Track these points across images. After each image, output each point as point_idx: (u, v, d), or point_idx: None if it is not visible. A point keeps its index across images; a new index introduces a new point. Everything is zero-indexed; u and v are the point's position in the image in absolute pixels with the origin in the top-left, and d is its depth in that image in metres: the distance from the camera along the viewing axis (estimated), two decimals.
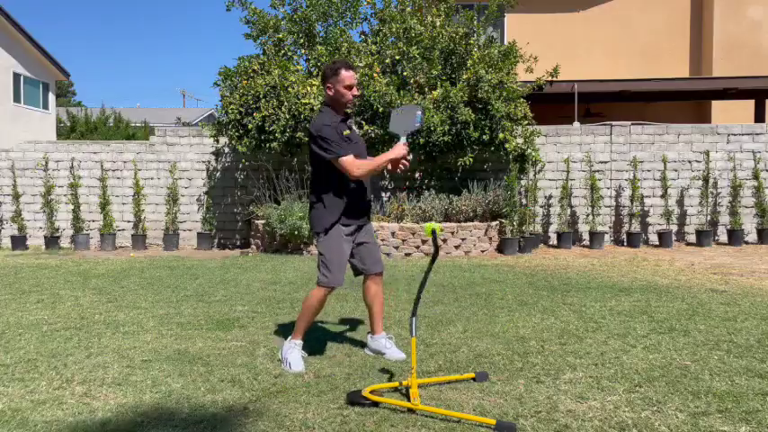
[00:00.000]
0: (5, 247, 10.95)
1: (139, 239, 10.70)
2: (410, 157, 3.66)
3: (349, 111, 3.88)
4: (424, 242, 9.32)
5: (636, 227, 10.65)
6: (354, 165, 3.61)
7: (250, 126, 9.66)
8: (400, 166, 3.71)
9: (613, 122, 11.14)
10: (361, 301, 5.72)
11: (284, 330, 4.59)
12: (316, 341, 4.26)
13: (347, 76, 3.68)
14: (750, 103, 13.87)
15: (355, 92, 3.73)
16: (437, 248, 3.14)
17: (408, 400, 3.08)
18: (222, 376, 3.54)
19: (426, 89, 9.89)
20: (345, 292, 6.15)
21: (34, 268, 8.14)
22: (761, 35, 15.04)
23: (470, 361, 3.79)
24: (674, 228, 10.82)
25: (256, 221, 10.12)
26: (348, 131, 3.74)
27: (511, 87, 9.84)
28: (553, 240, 10.77)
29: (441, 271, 7.61)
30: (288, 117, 9.54)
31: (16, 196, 10.94)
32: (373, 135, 9.61)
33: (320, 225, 3.75)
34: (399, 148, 3.62)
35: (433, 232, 3.05)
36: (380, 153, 10.52)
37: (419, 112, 3.61)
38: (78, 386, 3.39)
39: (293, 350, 3.72)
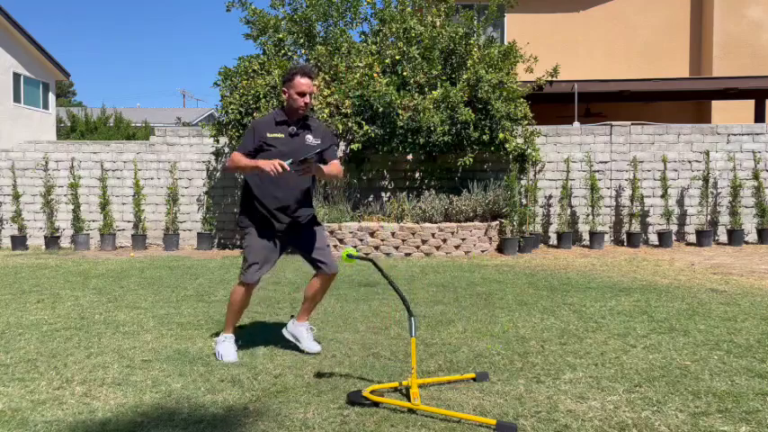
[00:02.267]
0: (5, 247, 10.95)
1: (139, 239, 10.71)
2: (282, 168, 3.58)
3: (302, 115, 3.89)
4: (424, 242, 9.33)
5: (636, 227, 10.65)
6: (231, 158, 3.81)
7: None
8: (270, 171, 3.61)
9: (613, 122, 11.14)
10: (360, 301, 5.72)
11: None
12: (316, 341, 4.26)
13: (301, 83, 3.78)
14: (750, 103, 13.87)
15: (307, 100, 3.80)
16: (371, 260, 3.36)
17: (409, 400, 3.08)
18: (222, 376, 3.54)
19: (426, 89, 9.89)
20: (345, 292, 6.15)
21: (34, 268, 8.14)
22: (761, 35, 15.04)
23: (470, 361, 3.79)
24: (674, 228, 10.82)
25: None
26: (280, 135, 3.82)
27: (511, 87, 9.84)
28: (553, 240, 10.77)
29: (441, 271, 7.61)
30: None
31: (16, 196, 10.95)
32: (373, 135, 9.61)
33: (242, 222, 3.97)
34: (269, 163, 3.56)
35: (350, 256, 3.26)
36: (379, 153, 10.54)
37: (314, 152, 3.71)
38: (78, 386, 3.39)
39: (227, 343, 3.94)
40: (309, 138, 3.89)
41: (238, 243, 11.04)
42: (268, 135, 3.80)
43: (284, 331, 4.13)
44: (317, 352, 3.98)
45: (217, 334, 4.37)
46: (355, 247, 9.31)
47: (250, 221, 3.88)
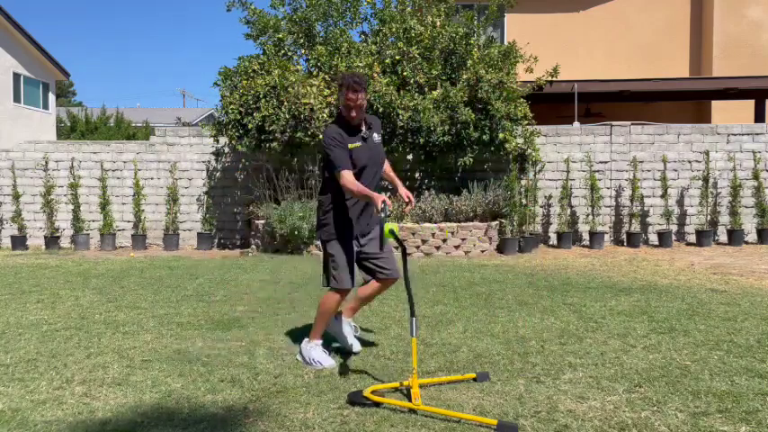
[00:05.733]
0: (5, 247, 10.95)
1: (139, 239, 10.71)
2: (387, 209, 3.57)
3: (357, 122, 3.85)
4: (424, 242, 9.33)
5: (636, 227, 10.65)
6: (345, 178, 3.65)
7: (250, 126, 9.66)
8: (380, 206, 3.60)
9: (613, 122, 11.14)
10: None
11: (284, 330, 4.59)
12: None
13: (348, 97, 3.72)
14: (750, 103, 13.87)
15: (354, 114, 3.75)
16: (404, 247, 3.35)
17: (409, 400, 3.08)
18: (222, 376, 3.54)
19: (426, 89, 9.89)
20: None
21: (34, 268, 8.14)
22: (761, 35, 15.04)
23: (470, 361, 3.79)
24: (674, 228, 10.82)
25: (256, 221, 10.12)
26: (358, 144, 3.78)
27: (511, 87, 9.84)
28: (553, 240, 10.77)
29: (441, 271, 7.61)
30: (288, 117, 9.54)
31: (16, 196, 10.95)
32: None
33: (327, 234, 3.82)
34: (380, 200, 3.51)
35: (392, 232, 3.22)
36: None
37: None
38: (78, 386, 3.39)
39: (316, 348, 3.81)
40: (375, 136, 3.91)
41: (238, 243, 11.05)
42: (350, 147, 3.76)
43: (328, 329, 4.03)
44: (357, 352, 3.97)
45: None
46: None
47: (335, 231, 3.79)
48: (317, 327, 3.86)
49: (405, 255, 3.32)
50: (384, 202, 3.46)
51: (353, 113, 3.76)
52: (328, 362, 3.75)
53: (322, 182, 3.95)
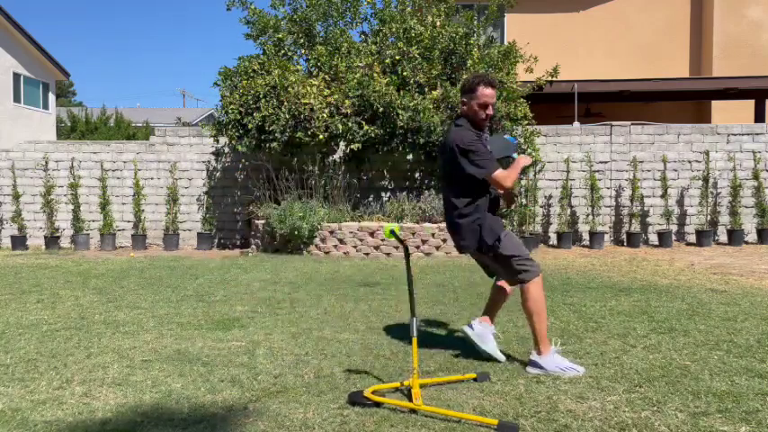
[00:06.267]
0: (5, 247, 10.95)
1: (139, 239, 10.70)
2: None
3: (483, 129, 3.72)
4: (424, 242, 9.33)
5: (636, 227, 10.64)
6: (505, 177, 3.53)
7: (250, 126, 9.66)
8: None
9: (613, 122, 11.15)
10: (360, 301, 5.72)
11: (284, 330, 4.59)
12: (316, 341, 4.26)
13: (484, 93, 3.54)
14: (750, 103, 13.87)
15: (490, 111, 3.58)
16: (406, 247, 3.30)
17: (410, 400, 3.08)
18: (222, 376, 3.53)
19: (426, 89, 9.89)
20: (345, 293, 6.15)
21: (34, 268, 8.14)
22: (761, 35, 15.04)
23: (470, 361, 3.79)
24: (674, 228, 10.82)
25: (256, 221, 10.12)
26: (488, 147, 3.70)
27: (511, 87, 9.84)
28: (553, 240, 10.77)
29: (441, 271, 7.61)
30: (288, 117, 9.54)
31: (16, 196, 10.95)
32: (373, 135, 9.61)
33: (492, 235, 3.65)
34: (525, 159, 3.64)
35: (392, 232, 3.14)
36: (379, 153, 10.55)
37: (511, 140, 3.76)
38: (78, 386, 3.39)
39: (556, 356, 3.56)
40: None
41: (238, 243, 11.04)
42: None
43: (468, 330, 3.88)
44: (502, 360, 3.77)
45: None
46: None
47: (499, 229, 3.66)
48: (542, 332, 3.56)
49: (407, 254, 3.31)
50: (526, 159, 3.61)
51: (490, 111, 3.59)
52: (577, 368, 3.49)
53: (456, 189, 3.67)
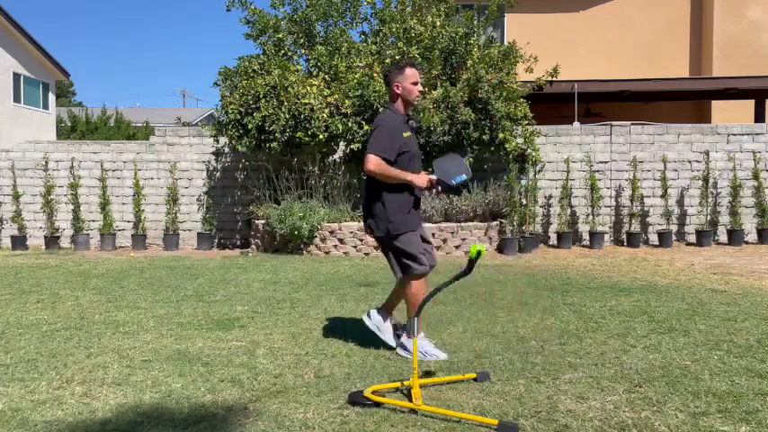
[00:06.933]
0: (5, 247, 10.95)
1: (139, 239, 10.70)
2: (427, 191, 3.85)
3: (411, 111, 4.00)
4: (467, 265, 9.28)
5: (636, 227, 10.64)
6: (377, 163, 3.71)
7: (250, 126, 9.66)
8: (426, 189, 3.82)
9: (613, 122, 11.15)
10: (361, 301, 5.72)
11: (284, 330, 4.59)
12: (316, 341, 4.26)
13: (411, 73, 3.84)
14: (750, 103, 13.87)
15: (420, 88, 3.88)
16: (470, 271, 3.05)
17: (410, 400, 3.08)
18: (222, 376, 3.53)
19: (426, 89, 9.89)
20: (345, 292, 6.15)
21: (34, 268, 8.14)
22: (761, 35, 15.04)
23: (470, 361, 3.79)
24: (674, 228, 10.82)
25: (256, 221, 10.12)
26: (409, 133, 3.86)
27: (511, 87, 9.83)
28: (553, 240, 10.77)
29: (441, 271, 7.60)
30: (288, 117, 9.54)
31: (16, 196, 10.94)
32: None
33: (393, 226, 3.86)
34: (422, 178, 3.77)
35: (478, 253, 2.95)
36: None
37: (464, 176, 3.79)
38: (78, 386, 3.39)
39: (422, 340, 3.84)
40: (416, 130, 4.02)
41: (238, 243, 11.05)
42: (404, 136, 3.81)
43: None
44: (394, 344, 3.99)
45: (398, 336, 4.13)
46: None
47: (401, 223, 3.83)
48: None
49: (462, 276, 3.21)
50: (429, 180, 3.73)
51: (419, 89, 3.85)
52: (439, 354, 3.80)
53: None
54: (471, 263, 2.99)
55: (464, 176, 3.77)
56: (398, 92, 3.87)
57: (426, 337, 3.95)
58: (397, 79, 3.86)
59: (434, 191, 3.85)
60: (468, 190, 9.92)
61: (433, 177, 3.76)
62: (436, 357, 3.79)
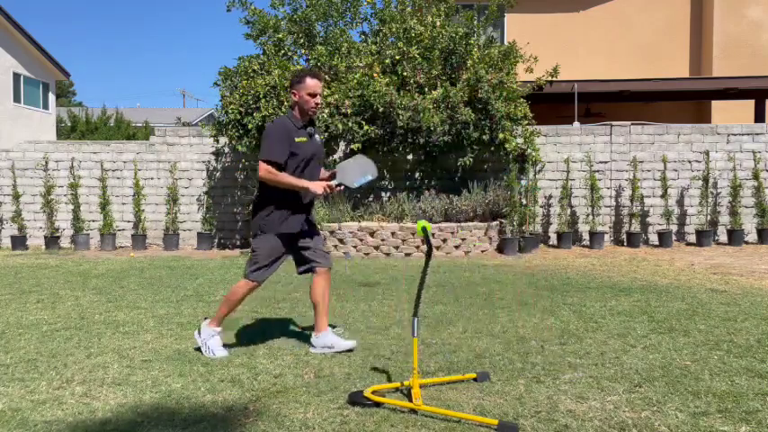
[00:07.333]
0: (5, 247, 10.95)
1: (139, 239, 10.70)
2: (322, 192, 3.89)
3: (311, 118, 4.03)
4: (424, 242, 9.32)
5: (636, 227, 10.64)
6: (267, 170, 3.80)
7: (250, 126, 9.66)
8: (322, 194, 3.89)
9: (613, 122, 11.14)
10: (360, 301, 5.72)
11: (284, 330, 4.60)
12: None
13: (312, 84, 3.89)
14: (750, 103, 13.87)
15: (318, 100, 3.92)
16: (430, 246, 3.19)
17: (410, 400, 3.08)
18: (222, 376, 3.54)
19: (426, 89, 9.89)
20: (345, 293, 6.16)
21: (34, 268, 8.14)
22: (761, 35, 15.04)
23: (470, 361, 3.79)
24: (674, 228, 10.82)
25: None
26: (304, 138, 3.92)
27: (511, 87, 9.83)
28: (553, 240, 10.77)
29: (441, 271, 7.61)
30: None
31: (16, 196, 10.95)
32: (373, 135, 9.61)
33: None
34: (318, 185, 3.85)
35: (424, 230, 3.10)
36: (380, 153, 10.52)
37: (369, 176, 3.92)
38: (78, 386, 3.39)
39: (217, 336, 3.98)
40: (317, 137, 4.05)
41: (238, 243, 11.05)
42: (296, 140, 3.87)
43: (313, 350, 4.00)
44: (353, 346, 4.00)
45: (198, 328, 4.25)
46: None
47: (270, 225, 3.89)
48: (221, 313, 4.00)
49: (429, 255, 3.18)
50: (327, 186, 3.83)
51: (316, 101, 3.91)
52: (221, 352, 3.91)
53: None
54: (428, 241, 3.12)
55: (369, 177, 3.92)
56: (295, 99, 3.94)
57: (220, 335, 4.01)
58: (296, 87, 3.93)
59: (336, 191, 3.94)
60: (468, 190, 9.93)
61: (332, 183, 3.87)
62: (221, 355, 3.89)
